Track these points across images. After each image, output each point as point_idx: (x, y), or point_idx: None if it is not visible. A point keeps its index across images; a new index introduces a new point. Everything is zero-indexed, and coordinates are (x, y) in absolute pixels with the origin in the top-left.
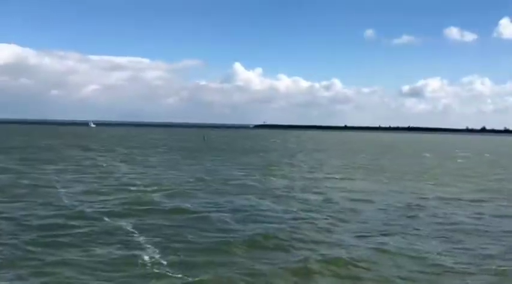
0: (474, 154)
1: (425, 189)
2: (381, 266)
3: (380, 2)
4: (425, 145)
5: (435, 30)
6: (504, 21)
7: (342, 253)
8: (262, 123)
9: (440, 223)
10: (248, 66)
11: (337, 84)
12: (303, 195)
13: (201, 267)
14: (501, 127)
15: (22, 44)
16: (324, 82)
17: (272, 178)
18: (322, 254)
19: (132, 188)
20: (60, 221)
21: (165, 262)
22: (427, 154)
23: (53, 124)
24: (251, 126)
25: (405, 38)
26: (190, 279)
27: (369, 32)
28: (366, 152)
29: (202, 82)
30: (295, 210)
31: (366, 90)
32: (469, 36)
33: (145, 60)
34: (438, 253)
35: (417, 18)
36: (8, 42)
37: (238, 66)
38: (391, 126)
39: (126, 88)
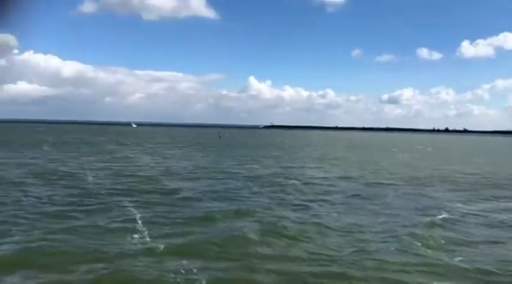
0: (433, 148)
1: (363, 175)
2: (307, 232)
3: (365, 25)
4: (397, 142)
5: (409, 50)
6: (465, 43)
7: (283, 223)
8: (270, 124)
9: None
10: (260, 79)
11: (331, 93)
12: (274, 179)
13: (178, 236)
14: (461, 128)
15: (83, 61)
16: (320, 92)
17: (257, 166)
18: (267, 223)
19: (144, 173)
20: (76, 199)
21: (149, 232)
22: (394, 149)
23: (104, 125)
24: (261, 126)
25: (386, 57)
26: (165, 245)
27: (356, 51)
28: (343, 148)
29: (224, 92)
30: (263, 191)
31: (353, 98)
32: (436, 55)
33: (180, 74)
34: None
35: (395, 40)
36: (72, 60)
37: (252, 79)
38: (373, 126)
39: (164, 96)
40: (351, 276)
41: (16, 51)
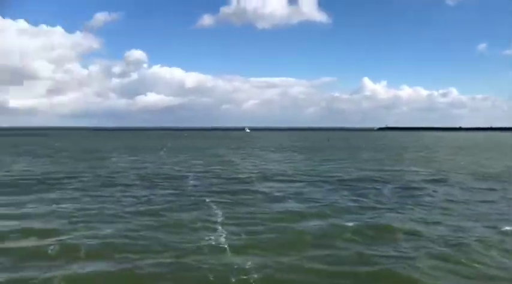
0: None
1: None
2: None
3: (490, 18)
4: None
5: None
6: None
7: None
8: (384, 126)
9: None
10: (375, 80)
11: (454, 91)
12: (368, 183)
13: (253, 235)
14: None
15: (203, 71)
16: (442, 90)
17: (352, 169)
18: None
19: (241, 176)
20: (171, 199)
21: (227, 231)
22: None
23: (221, 130)
24: (375, 128)
25: None
26: (237, 244)
27: (481, 46)
28: (449, 149)
29: (336, 94)
30: (353, 196)
31: (479, 96)
32: None
33: (292, 79)
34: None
35: None
36: (194, 71)
37: (366, 80)
38: (504, 126)
39: (277, 101)
40: None
41: (145, 65)
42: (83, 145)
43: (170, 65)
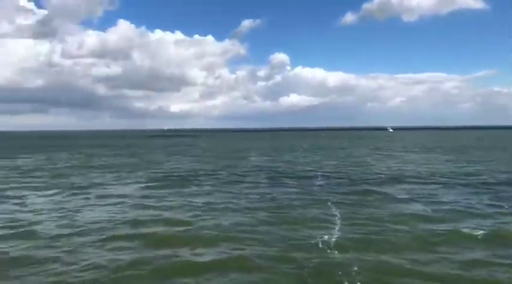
0: None
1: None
2: None
3: None
4: None
5: None
6: None
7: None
8: None
9: None
10: None
11: None
12: (503, 187)
13: (363, 235)
14: None
15: (345, 70)
16: None
17: (500, 172)
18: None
19: (371, 177)
20: (294, 197)
21: (341, 229)
22: None
23: (362, 130)
24: None
25: None
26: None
27: None
28: None
29: (496, 89)
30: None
31: None
32: None
33: (442, 74)
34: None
35: None
36: (336, 70)
37: None
38: None
39: (424, 98)
40: None
41: (288, 67)
42: (227, 145)
43: (312, 65)
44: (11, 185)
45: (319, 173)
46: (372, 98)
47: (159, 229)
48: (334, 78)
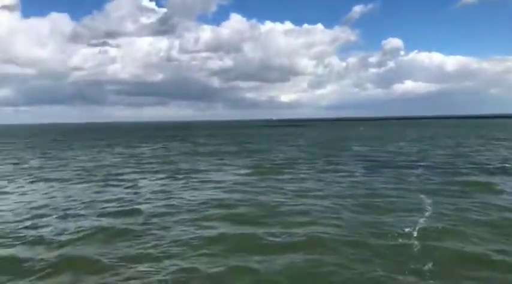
0: None
1: None
2: None
3: None
4: None
5: None
6: None
7: None
8: None
9: None
10: None
11: None
12: None
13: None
14: None
15: (465, 54)
16: None
17: None
18: None
19: (473, 165)
20: (388, 185)
21: (427, 223)
22: None
23: (486, 118)
24: None
25: None
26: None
27: None
28: None
29: None
30: None
31: None
32: None
33: None
34: None
35: None
36: (455, 54)
37: None
38: None
39: None
40: None
41: (402, 53)
42: (333, 134)
43: (428, 50)
44: (126, 170)
45: (422, 163)
46: (497, 83)
47: (247, 210)
48: (453, 62)
